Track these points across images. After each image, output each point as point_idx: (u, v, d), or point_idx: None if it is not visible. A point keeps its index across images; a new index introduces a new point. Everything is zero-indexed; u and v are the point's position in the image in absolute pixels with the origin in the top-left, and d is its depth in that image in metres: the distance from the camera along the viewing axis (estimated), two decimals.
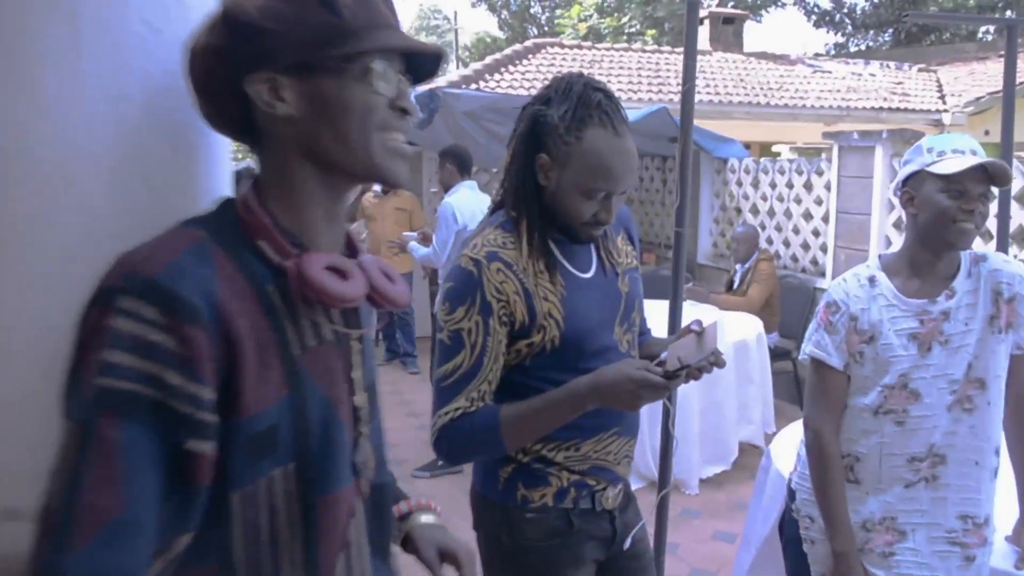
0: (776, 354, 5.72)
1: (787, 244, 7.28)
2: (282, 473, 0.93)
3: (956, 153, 1.84)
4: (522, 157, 1.65)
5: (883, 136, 5.78)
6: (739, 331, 5.01)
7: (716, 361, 1.50)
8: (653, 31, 19.62)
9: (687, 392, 4.50)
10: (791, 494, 2.15)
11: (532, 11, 26.43)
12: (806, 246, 7.05)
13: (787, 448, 2.73)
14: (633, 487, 4.24)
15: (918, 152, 1.91)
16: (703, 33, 14.49)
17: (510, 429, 1.59)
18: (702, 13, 14.58)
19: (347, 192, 1.03)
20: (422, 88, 7.09)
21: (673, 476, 4.59)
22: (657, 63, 12.91)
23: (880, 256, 2.03)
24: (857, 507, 1.97)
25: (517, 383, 1.66)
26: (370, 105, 0.96)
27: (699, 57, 13.50)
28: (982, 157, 1.82)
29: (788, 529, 2.17)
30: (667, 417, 3.05)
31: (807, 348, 2.03)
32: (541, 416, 1.59)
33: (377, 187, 6.86)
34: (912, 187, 1.91)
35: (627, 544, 1.80)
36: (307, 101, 0.95)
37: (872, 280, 1.97)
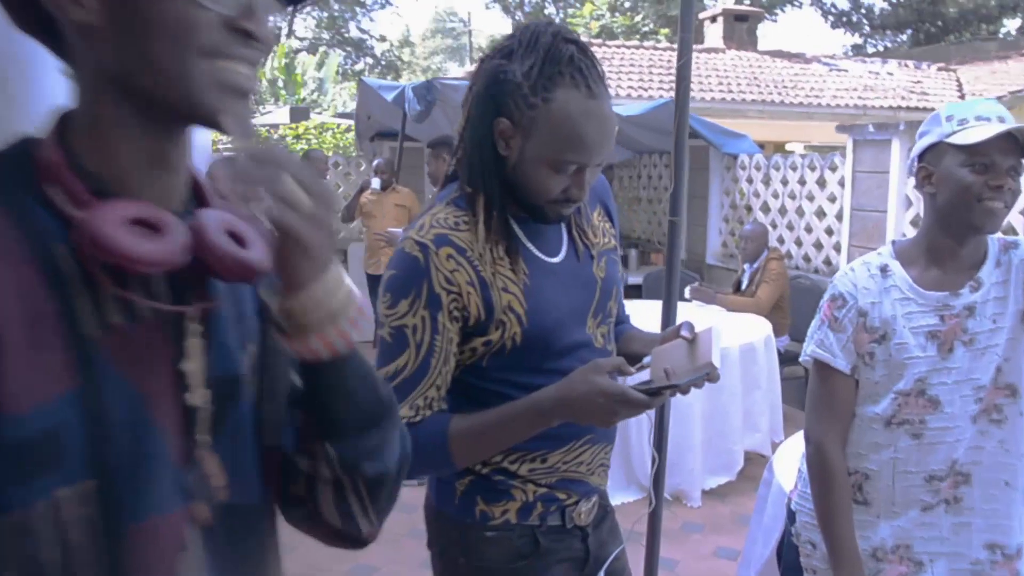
0: (786, 358, 5.46)
1: (799, 243, 7.09)
2: (75, 494, 0.70)
3: (980, 120, 1.58)
4: (479, 122, 1.40)
5: (900, 128, 5.51)
6: (746, 333, 4.78)
7: (710, 376, 1.28)
8: (667, 30, 19.41)
9: (688, 397, 4.24)
10: (790, 516, 1.89)
11: (547, 12, 26.30)
12: (819, 245, 6.85)
13: (792, 460, 2.47)
14: (631, 499, 4.01)
15: (936, 122, 1.65)
16: (716, 31, 14.35)
17: (460, 445, 1.37)
18: (715, 11, 14.41)
19: (182, 131, 0.78)
20: (419, 80, 6.89)
21: (674, 486, 4.42)
22: (669, 60, 12.67)
23: (894, 243, 1.76)
24: (866, 532, 1.70)
25: (472, 386, 1.44)
26: (191, 22, 0.71)
27: (712, 55, 13.40)
28: (1011, 124, 1.56)
29: (787, 555, 1.91)
30: (659, 431, 2.80)
31: (808, 348, 1.77)
32: (497, 432, 1.37)
33: (375, 184, 6.62)
34: (929, 162, 1.65)
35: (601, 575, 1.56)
36: (109, 8, 0.71)
37: (884, 270, 1.70)
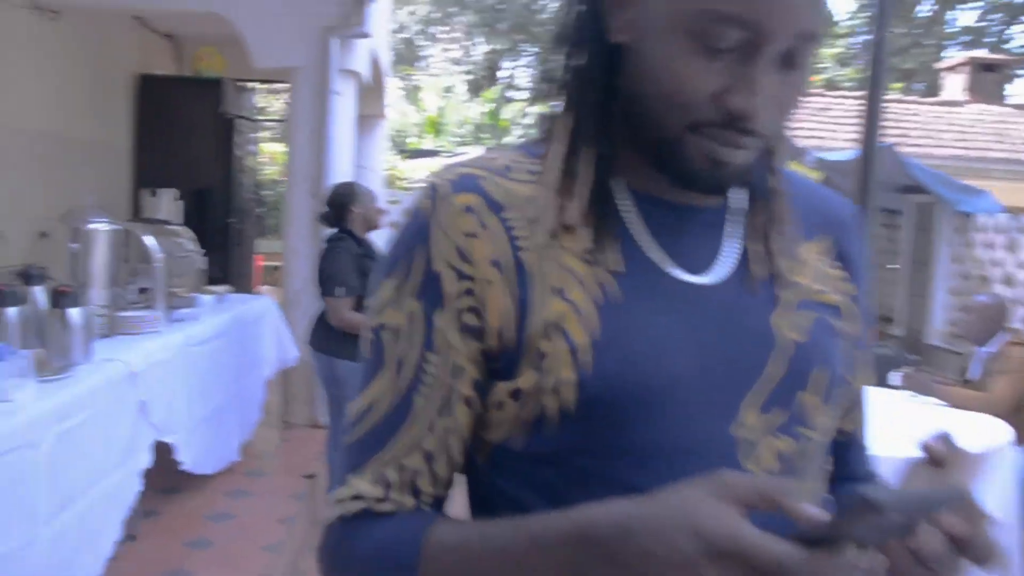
0: None
1: None
2: None
3: None
4: None
5: None
6: (972, 439, 3.68)
7: (965, 519, 0.64)
8: (900, 84, 18.01)
9: None
10: None
11: None
12: None
13: None
14: None
15: None
16: (957, 83, 13.08)
17: (437, 570, 0.71)
18: (958, 59, 13.13)
19: None
20: None
21: None
22: (896, 112, 11.46)
23: None
24: None
25: (502, 495, 0.78)
26: None
27: (950, 108, 12.21)
28: None
29: None
30: None
31: None
32: (503, 561, 0.67)
33: None
34: None
35: None
36: None
37: None
